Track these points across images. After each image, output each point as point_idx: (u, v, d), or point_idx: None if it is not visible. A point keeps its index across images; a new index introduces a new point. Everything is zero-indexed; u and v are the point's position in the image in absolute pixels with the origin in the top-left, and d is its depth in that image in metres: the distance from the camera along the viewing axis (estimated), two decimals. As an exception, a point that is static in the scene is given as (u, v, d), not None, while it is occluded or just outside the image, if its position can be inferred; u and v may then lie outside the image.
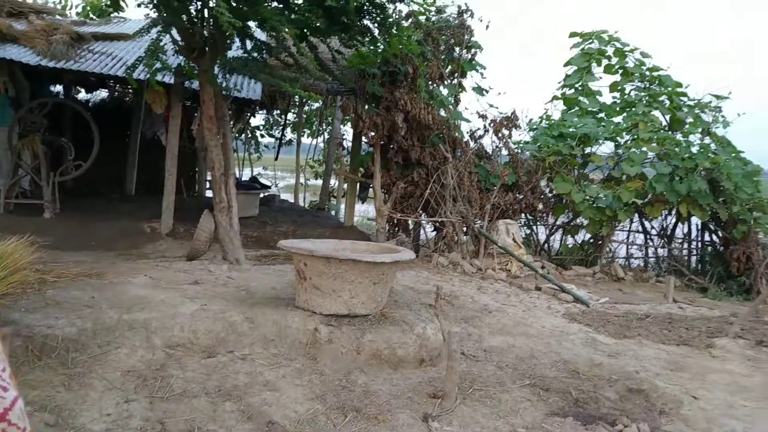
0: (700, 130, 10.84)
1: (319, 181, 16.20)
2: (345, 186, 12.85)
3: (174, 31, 6.64)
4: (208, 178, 10.97)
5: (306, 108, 16.27)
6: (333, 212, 14.81)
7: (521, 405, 3.99)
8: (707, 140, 10.79)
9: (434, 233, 10.32)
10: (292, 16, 6.47)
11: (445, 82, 9.99)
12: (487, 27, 9.89)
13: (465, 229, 9.43)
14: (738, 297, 9.36)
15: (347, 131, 14.08)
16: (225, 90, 7.28)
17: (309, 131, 17.34)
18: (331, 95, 11.38)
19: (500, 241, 9.05)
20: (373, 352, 4.33)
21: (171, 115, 8.78)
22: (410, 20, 9.59)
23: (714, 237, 10.75)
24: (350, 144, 11.21)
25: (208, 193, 11.42)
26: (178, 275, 5.76)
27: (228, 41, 6.75)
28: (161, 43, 6.55)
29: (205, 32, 6.57)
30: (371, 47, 8.24)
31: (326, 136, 16.60)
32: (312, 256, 4.51)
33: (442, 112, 9.57)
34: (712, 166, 9.80)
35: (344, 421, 3.49)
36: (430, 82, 9.58)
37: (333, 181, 15.51)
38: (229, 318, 4.42)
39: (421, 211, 9.69)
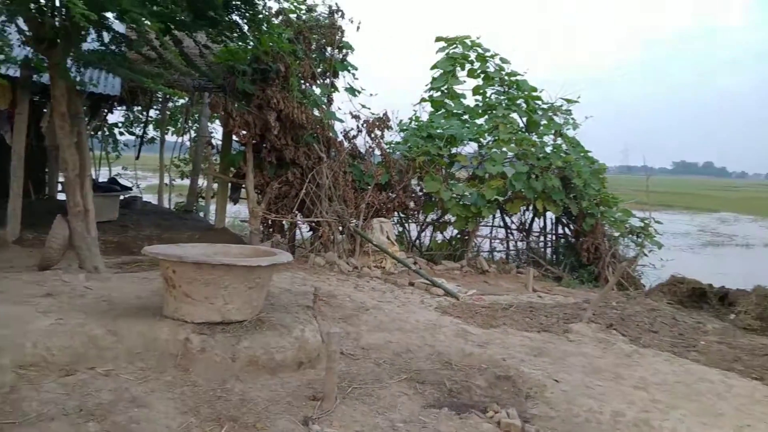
0: (553, 131, 11.77)
1: (186, 182, 15.45)
2: (215, 186, 12.40)
3: (21, 21, 6.02)
4: (61, 179, 10.08)
5: (170, 104, 15.45)
6: (202, 214, 14.21)
7: (399, 399, 4.08)
8: (559, 141, 11.74)
9: (310, 233, 10.27)
10: (155, 8, 6.10)
11: (318, 82, 9.98)
12: (358, 28, 10.01)
13: (341, 228, 9.49)
14: (588, 284, 10.29)
15: (216, 129, 13.59)
16: (79, 85, 6.72)
17: (174, 129, 16.47)
18: (198, 92, 10.91)
19: (375, 240, 9.20)
20: (250, 358, 4.21)
21: (17, 112, 7.99)
22: (280, 17, 9.45)
23: (566, 230, 11.72)
24: (220, 143, 10.84)
25: (61, 196, 10.49)
26: (28, 287, 5.23)
27: (82, 33, 6.23)
28: (5, 34, 5.90)
29: (56, 22, 6.01)
30: (241, 43, 8.01)
31: (193, 134, 15.89)
32: (181, 263, 4.29)
33: (316, 112, 9.55)
34: (564, 165, 10.68)
35: (221, 432, 3.36)
36: (302, 82, 9.51)
37: (201, 182, 14.88)
38: (89, 332, 4.09)
39: (296, 212, 9.60)
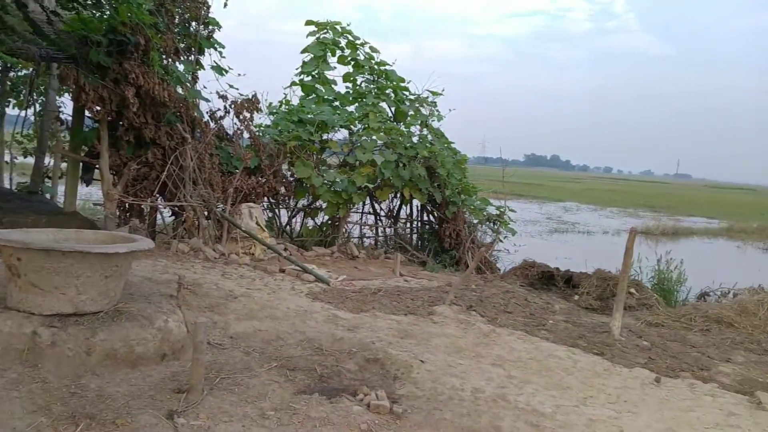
0: (419, 122, 12.16)
1: (31, 160, 13.94)
2: (63, 166, 11.33)
3: None
4: None
5: (12, 74, 13.81)
6: (49, 196, 12.94)
7: (270, 387, 4.03)
8: (425, 131, 12.16)
9: (173, 218, 9.76)
10: (-8, -36, 5.43)
11: (182, 58, 9.45)
12: (225, 5, 9.59)
13: (207, 213, 9.11)
14: (450, 268, 10.82)
15: (65, 104, 12.40)
16: None
17: (16, 101, 14.76)
18: (46, 62, 9.87)
19: (244, 225, 8.96)
20: (107, 351, 3.93)
21: None
22: (140, -14, 8.80)
23: (431, 217, 12.19)
24: (70, 118, 9.90)
25: None
26: None
27: None
28: None
29: None
30: (95, 12, 7.35)
31: (38, 107, 14.36)
32: (27, 249, 3.89)
33: (179, 90, 9.05)
34: (430, 154, 11.09)
35: (76, 431, 3.12)
36: (164, 57, 8.96)
37: (48, 160, 13.52)
38: None
39: (157, 195, 9.06)
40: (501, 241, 12.02)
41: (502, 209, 12.17)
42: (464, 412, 3.95)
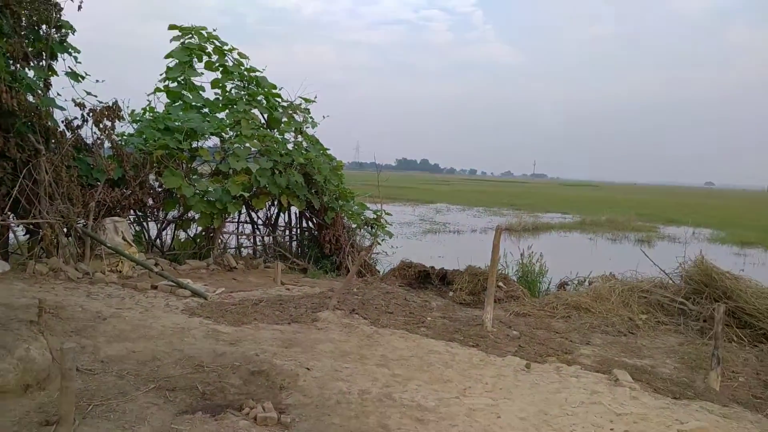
0: (293, 129, 12.11)
1: None
2: None
3: None
4: None
5: None
6: None
7: (148, 411, 3.85)
8: (300, 138, 12.13)
9: (28, 237, 8.91)
10: None
11: (32, 64, 8.68)
12: (80, 7, 8.94)
13: (66, 230, 8.43)
14: (332, 274, 10.89)
15: None
16: None
17: None
18: None
19: (109, 241, 8.41)
20: (-42, 389, 3.55)
21: None
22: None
23: (310, 223, 12.18)
24: None
25: None
26: None
27: None
28: None
29: None
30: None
31: None
32: None
33: (31, 98, 8.31)
34: (306, 161, 11.09)
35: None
36: (11, 62, 8.18)
37: None
38: None
39: (9, 212, 8.23)
40: (379, 243, 12.29)
41: (378, 213, 12.44)
42: (352, 414, 4.03)
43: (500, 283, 9.19)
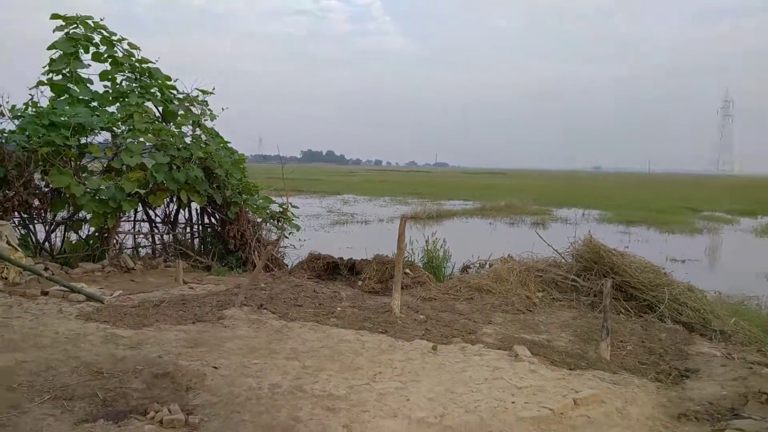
0: (191, 122, 11.70)
1: None
2: None
3: None
4: None
5: None
6: None
7: (44, 423, 3.64)
8: (198, 131, 11.74)
9: None
10: None
11: None
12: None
13: (-63, 237, 7.71)
14: (237, 270, 10.67)
15: None
16: None
17: None
18: None
19: (-11, 247, 7.77)
20: None
21: None
22: None
23: (212, 219, 11.84)
24: None
25: None
26: None
27: None
28: None
29: None
30: None
31: None
32: None
33: None
34: (205, 155, 10.75)
35: None
36: None
37: None
38: None
39: None
40: (286, 237, 12.15)
41: (284, 206, 12.29)
42: (263, 409, 4.00)
43: (407, 270, 9.39)
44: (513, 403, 4.38)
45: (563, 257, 9.50)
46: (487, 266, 10.29)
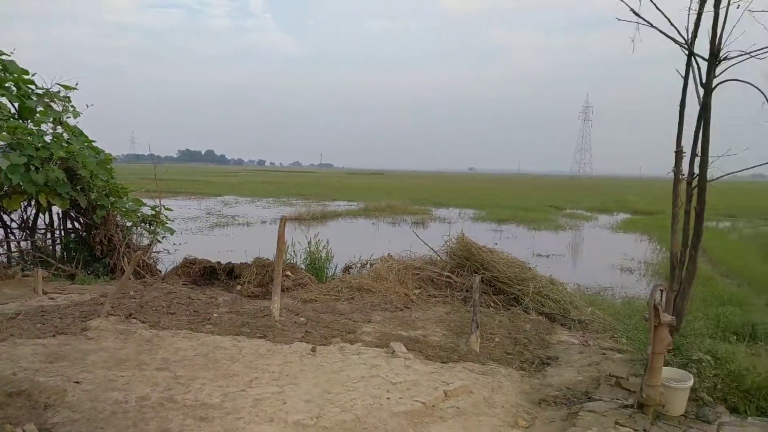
0: (51, 119, 10.83)
1: None
2: None
3: None
4: None
5: None
6: None
7: None
8: (60, 130, 10.89)
9: None
10: None
11: None
12: None
13: None
14: (105, 278, 10.02)
15: None
16: None
17: None
18: None
19: None
20: None
21: None
22: None
23: (76, 224, 11.04)
24: None
25: None
26: None
27: None
28: None
29: None
30: None
31: None
32: None
33: None
34: (68, 155, 10.01)
35: None
36: None
37: None
38: None
39: None
40: (159, 241, 11.59)
41: (157, 209, 11.71)
42: (129, 423, 3.83)
43: (288, 273, 9.34)
44: (388, 399, 4.52)
45: (439, 255, 9.90)
46: (369, 266, 10.48)
